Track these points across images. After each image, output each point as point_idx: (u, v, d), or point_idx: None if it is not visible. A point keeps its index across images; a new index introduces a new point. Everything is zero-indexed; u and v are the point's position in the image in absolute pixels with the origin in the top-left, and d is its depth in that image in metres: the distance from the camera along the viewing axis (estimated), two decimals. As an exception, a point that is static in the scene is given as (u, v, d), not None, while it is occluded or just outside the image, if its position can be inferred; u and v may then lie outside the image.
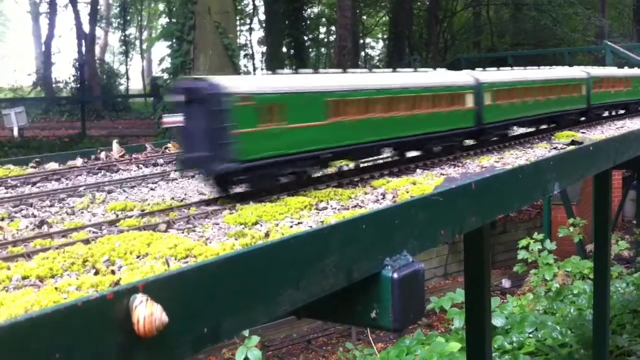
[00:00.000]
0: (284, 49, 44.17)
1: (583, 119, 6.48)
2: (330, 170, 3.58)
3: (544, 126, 5.77)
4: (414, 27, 41.91)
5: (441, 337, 7.17)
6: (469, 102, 4.32)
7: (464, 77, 4.47)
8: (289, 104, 3.05)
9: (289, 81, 3.24)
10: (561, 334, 7.69)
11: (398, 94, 3.78)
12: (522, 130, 5.50)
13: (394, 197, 3.05)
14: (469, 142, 4.62)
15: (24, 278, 1.90)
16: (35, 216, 2.83)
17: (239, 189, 3.13)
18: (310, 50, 50.95)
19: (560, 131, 5.71)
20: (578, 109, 6.22)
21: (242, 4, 48.47)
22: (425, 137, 3.94)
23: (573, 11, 34.75)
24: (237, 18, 37.81)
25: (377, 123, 3.60)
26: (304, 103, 3.14)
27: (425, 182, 3.32)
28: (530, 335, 7.61)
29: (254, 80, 3.27)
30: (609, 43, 21.23)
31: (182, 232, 2.49)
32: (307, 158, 3.18)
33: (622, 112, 7.76)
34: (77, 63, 42.63)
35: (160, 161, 4.36)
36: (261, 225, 2.57)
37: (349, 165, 3.77)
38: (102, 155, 4.37)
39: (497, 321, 7.50)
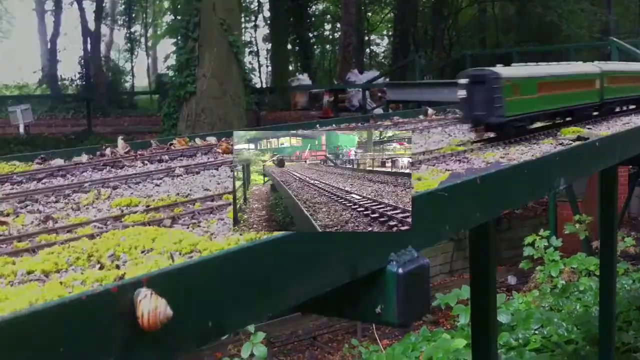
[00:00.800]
0: (289, 46, 44.19)
1: None
2: (532, 126, 5.14)
3: (624, 108, 7.08)
4: (418, 24, 41.84)
5: (447, 334, 7.17)
6: (597, 84, 5.97)
7: (593, 67, 6.19)
8: (523, 84, 4.75)
9: (521, 70, 5.05)
10: (567, 330, 7.67)
11: (562, 79, 5.51)
12: (618, 108, 6.89)
13: (399, 192, 3.04)
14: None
15: (29, 273, 1.89)
16: (40, 212, 2.83)
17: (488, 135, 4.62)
18: (315, 47, 50.96)
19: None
20: None
21: (247, 1, 48.49)
22: (574, 108, 5.60)
23: (579, 7, 34.61)
24: (242, 15, 37.79)
25: (554, 97, 5.25)
26: (528, 83, 4.85)
27: (430, 178, 3.31)
28: (536, 332, 7.60)
29: (508, 69, 4.85)
30: (615, 39, 21.11)
31: (187, 228, 2.49)
32: (528, 117, 4.81)
33: None
34: (82, 60, 42.71)
35: (165, 157, 4.36)
36: (266, 221, 2.56)
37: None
38: (108, 151, 4.35)
39: (503, 318, 7.48)
